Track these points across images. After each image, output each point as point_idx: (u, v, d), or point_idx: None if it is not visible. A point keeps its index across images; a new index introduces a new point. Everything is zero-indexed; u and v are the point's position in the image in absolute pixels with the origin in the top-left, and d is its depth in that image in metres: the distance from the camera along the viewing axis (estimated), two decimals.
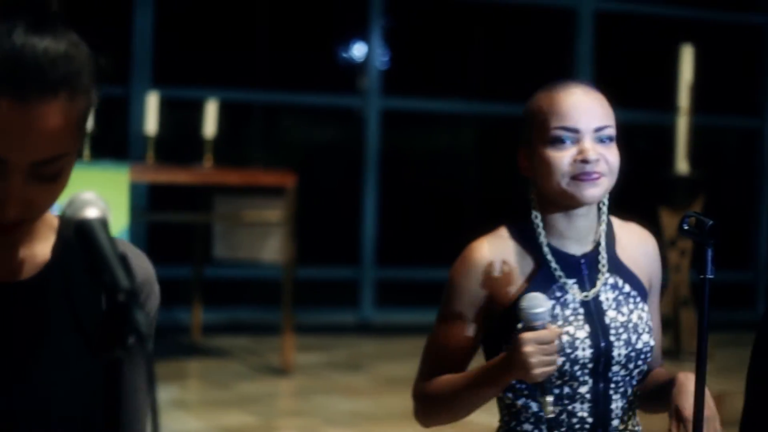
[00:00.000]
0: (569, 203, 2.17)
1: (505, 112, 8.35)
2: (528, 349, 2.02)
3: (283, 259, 6.31)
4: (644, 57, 9.31)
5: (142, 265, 1.57)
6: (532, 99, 2.21)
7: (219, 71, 8.23)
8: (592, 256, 2.24)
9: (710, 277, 2.02)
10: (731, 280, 9.05)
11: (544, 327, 2.05)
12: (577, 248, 2.23)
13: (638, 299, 2.26)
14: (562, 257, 2.21)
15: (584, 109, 2.17)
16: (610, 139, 2.18)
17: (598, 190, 2.14)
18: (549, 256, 2.20)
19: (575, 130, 2.16)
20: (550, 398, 2.07)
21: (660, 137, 8.27)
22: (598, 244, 2.25)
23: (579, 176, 2.13)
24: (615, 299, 2.24)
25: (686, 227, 2.05)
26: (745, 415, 2.83)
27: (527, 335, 2.04)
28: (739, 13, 9.34)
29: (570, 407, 2.17)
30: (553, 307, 2.15)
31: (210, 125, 6.63)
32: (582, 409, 2.18)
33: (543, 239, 2.21)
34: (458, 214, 8.70)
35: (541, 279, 2.18)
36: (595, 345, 2.16)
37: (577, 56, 8.67)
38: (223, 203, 6.92)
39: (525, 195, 2.24)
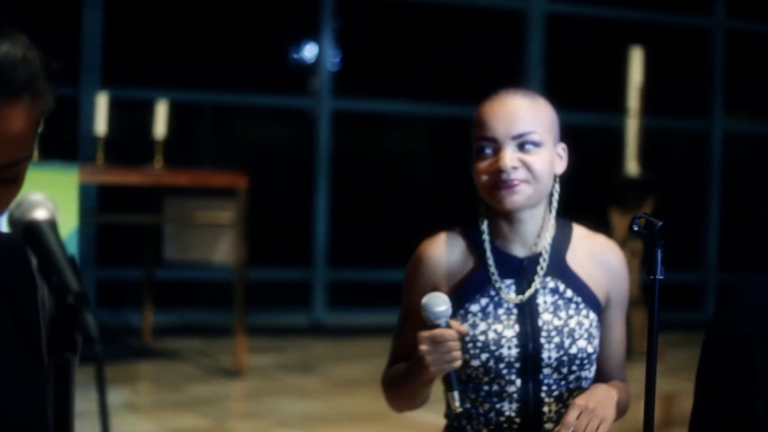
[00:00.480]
0: (499, 210, 2.22)
1: (455, 114, 8.37)
2: (423, 347, 2.11)
3: (234, 261, 6.29)
4: (594, 59, 9.37)
5: None
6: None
7: (169, 72, 8.18)
8: (536, 259, 2.25)
9: (660, 277, 2.04)
10: (681, 280, 9.13)
11: (446, 325, 2.12)
12: (521, 251, 2.26)
13: (581, 306, 2.27)
14: (503, 258, 2.24)
15: (503, 118, 2.21)
16: (535, 144, 2.20)
17: (518, 197, 2.18)
18: (489, 257, 2.24)
19: (494, 140, 2.21)
20: (455, 393, 2.14)
21: (610, 139, 8.33)
22: (547, 247, 2.26)
23: (496, 185, 2.19)
24: (553, 303, 2.25)
25: (636, 228, 2.07)
26: (694, 415, 2.86)
27: (423, 334, 2.12)
28: (688, 16, 9.42)
29: (498, 405, 2.20)
30: (486, 305, 2.21)
31: (160, 126, 6.59)
32: (510, 409, 2.20)
33: (487, 241, 2.25)
34: (410, 215, 8.71)
35: (478, 278, 2.23)
36: (522, 345, 2.19)
37: (528, 58, 8.71)
38: (173, 205, 6.88)
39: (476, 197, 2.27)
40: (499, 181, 2.18)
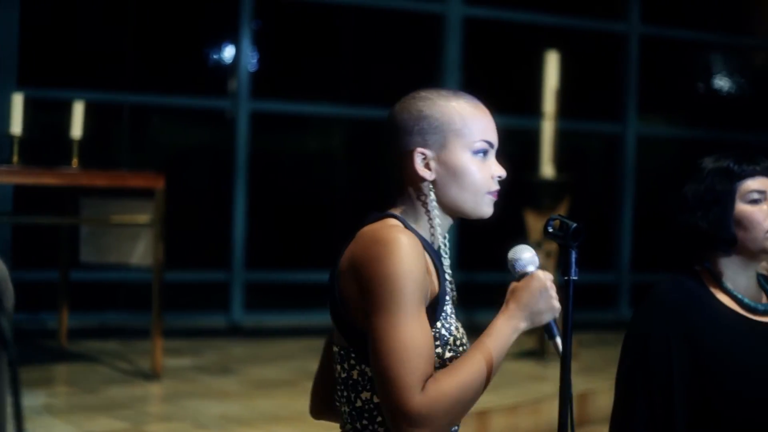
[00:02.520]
0: (468, 214, 2.20)
1: (374, 116, 8.40)
2: (550, 285, 2.09)
3: (151, 263, 6.26)
4: (511, 63, 9.46)
5: None
6: (436, 102, 2.19)
7: (87, 72, 8.11)
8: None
9: (574, 278, 2.07)
10: (595, 281, 9.26)
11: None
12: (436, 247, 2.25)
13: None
14: (438, 256, 2.22)
15: (494, 126, 2.24)
16: None
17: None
18: (444, 255, 2.22)
19: (492, 145, 2.21)
20: (557, 339, 2.10)
21: (526, 141, 8.41)
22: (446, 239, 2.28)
23: (489, 192, 2.19)
24: (452, 289, 2.30)
25: (551, 230, 2.10)
26: (615, 414, 2.92)
27: (545, 274, 2.10)
28: (603, 21, 9.56)
29: None
30: (448, 303, 2.18)
31: (77, 127, 6.53)
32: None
33: (443, 243, 2.22)
34: (328, 216, 8.73)
35: (441, 276, 2.17)
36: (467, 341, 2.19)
37: (445, 61, 8.77)
38: (90, 206, 6.83)
39: (388, 193, 2.22)
40: (496, 191, 2.19)
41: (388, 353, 1.99)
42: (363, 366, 2.11)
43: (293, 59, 8.81)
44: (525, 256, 2.13)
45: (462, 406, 2.01)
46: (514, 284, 2.12)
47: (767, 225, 2.90)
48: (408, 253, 2.03)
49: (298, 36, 8.81)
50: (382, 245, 2.04)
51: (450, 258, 2.27)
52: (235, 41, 8.28)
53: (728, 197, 2.90)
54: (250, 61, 8.32)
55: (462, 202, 2.16)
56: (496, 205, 2.21)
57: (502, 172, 2.20)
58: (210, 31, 8.62)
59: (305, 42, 8.81)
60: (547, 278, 2.11)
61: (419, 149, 2.16)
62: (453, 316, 2.18)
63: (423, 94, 2.21)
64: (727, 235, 2.90)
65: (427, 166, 2.16)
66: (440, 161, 2.16)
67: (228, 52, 8.44)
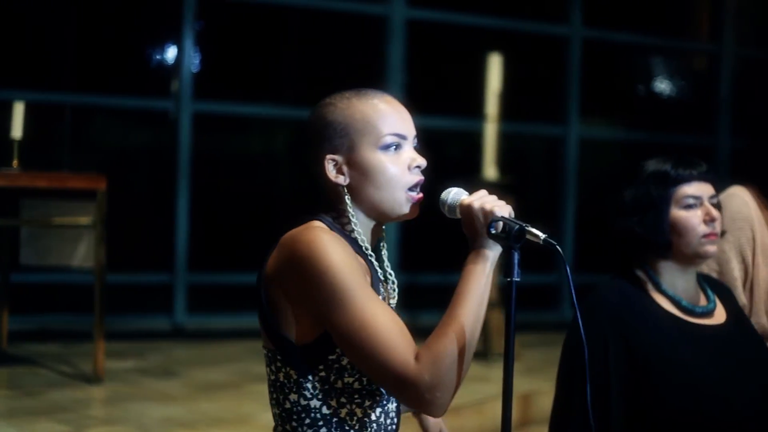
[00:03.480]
0: (388, 214, 2.18)
1: None
2: (481, 196, 2.11)
3: (93, 265, 6.21)
4: (454, 65, 9.49)
5: None
6: (339, 105, 2.19)
7: (28, 72, 8.03)
8: (376, 254, 2.27)
9: (517, 279, 2.08)
10: (537, 282, 9.31)
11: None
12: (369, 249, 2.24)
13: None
14: (372, 259, 2.22)
15: (406, 117, 2.21)
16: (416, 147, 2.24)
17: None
18: (372, 255, 2.20)
19: (403, 137, 2.18)
20: (527, 227, 2.06)
21: (469, 143, 8.45)
22: (380, 242, 2.28)
23: (414, 185, 2.17)
24: (392, 289, 2.30)
25: (494, 231, 2.11)
26: (555, 411, 2.95)
27: (475, 193, 2.13)
28: (546, 24, 9.62)
29: (386, 407, 2.19)
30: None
31: (17, 127, 6.46)
32: (392, 409, 2.22)
33: (367, 245, 2.20)
34: (271, 218, 8.71)
35: (375, 281, 2.17)
36: None
37: (389, 63, 8.78)
38: (30, 207, 6.75)
39: (318, 199, 2.23)
40: (412, 181, 2.17)
41: (364, 341, 1.99)
42: (288, 369, 2.13)
43: (236, 60, 8.78)
44: (451, 194, 2.16)
45: (463, 356, 2.01)
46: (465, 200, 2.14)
47: (701, 230, 2.93)
48: (332, 244, 2.04)
49: (241, 37, 8.78)
50: (305, 245, 2.05)
51: (391, 261, 2.27)
52: (178, 42, 8.24)
53: (664, 202, 2.94)
54: (193, 61, 8.28)
55: (380, 201, 2.15)
56: (426, 203, 2.22)
57: (420, 161, 2.18)
58: (152, 31, 8.57)
59: (248, 43, 8.79)
60: (476, 195, 2.13)
61: (329, 156, 2.16)
62: None
63: (328, 100, 2.22)
64: (662, 240, 2.94)
65: (339, 171, 2.16)
66: (351, 164, 2.15)
67: (171, 53, 8.40)
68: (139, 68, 8.55)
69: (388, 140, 2.15)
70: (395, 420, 2.22)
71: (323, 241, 2.04)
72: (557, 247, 2.01)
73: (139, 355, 7.14)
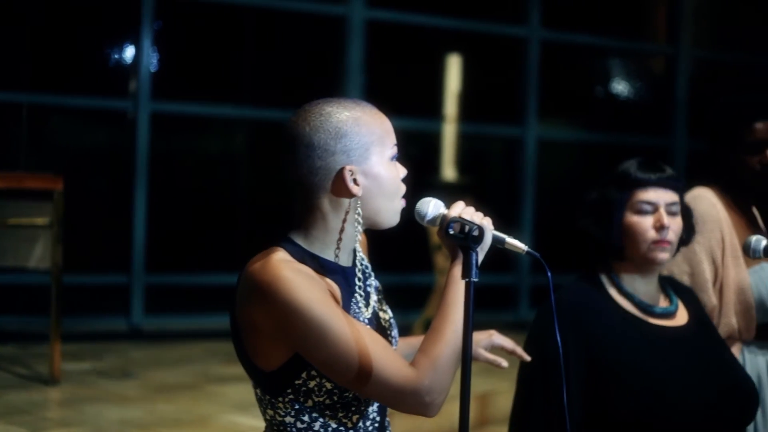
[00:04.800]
0: (384, 223, 2.21)
1: (276, 118, 8.37)
2: (457, 211, 2.15)
3: (50, 266, 6.16)
4: (413, 65, 9.50)
5: None
6: (350, 117, 2.15)
7: None
8: (356, 265, 2.27)
9: (475, 279, 2.08)
10: (495, 282, 9.34)
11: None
12: (348, 260, 2.24)
13: (383, 294, 2.35)
14: (347, 273, 2.21)
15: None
16: None
17: None
18: (339, 275, 2.18)
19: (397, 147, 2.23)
20: (510, 240, 2.14)
21: (428, 144, 8.46)
22: (354, 252, 2.27)
23: (402, 196, 2.21)
24: (378, 300, 2.31)
25: (452, 232, 2.11)
26: (515, 410, 2.95)
27: (454, 208, 2.16)
28: (504, 25, 9.64)
29: (365, 411, 2.19)
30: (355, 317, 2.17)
31: None
32: (373, 411, 2.23)
33: (339, 260, 2.19)
34: (229, 219, 8.68)
35: (345, 299, 2.17)
36: None
37: (348, 63, 8.78)
38: None
39: (292, 210, 2.20)
40: (403, 190, 2.21)
41: (353, 367, 2.02)
42: (258, 390, 2.18)
43: (195, 60, 8.75)
44: (429, 208, 2.18)
45: (456, 357, 2.07)
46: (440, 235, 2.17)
47: (650, 236, 2.94)
48: (297, 280, 2.02)
49: (199, 37, 8.75)
50: (270, 285, 2.03)
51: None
52: (136, 41, 8.19)
53: (619, 206, 2.95)
54: (151, 61, 8.24)
55: (385, 210, 2.18)
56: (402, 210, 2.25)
57: (405, 172, 2.23)
58: (111, 30, 8.52)
59: (207, 43, 8.76)
60: (456, 209, 2.17)
61: (348, 167, 2.13)
62: None
63: (328, 109, 2.15)
64: (614, 244, 2.95)
65: (355, 182, 2.14)
66: (366, 174, 2.15)
67: (129, 52, 8.35)
68: (96, 68, 8.49)
69: (395, 151, 2.20)
70: (377, 418, 2.23)
71: (287, 280, 2.02)
72: (540, 257, 2.09)
73: (96, 357, 7.10)
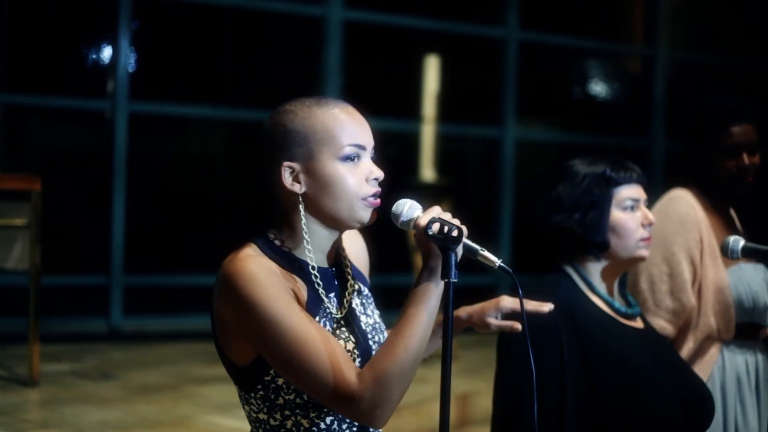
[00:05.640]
0: (345, 223, 2.16)
1: (254, 118, 8.37)
2: (436, 215, 2.10)
3: (28, 266, 6.14)
4: (392, 66, 9.51)
5: None
6: (299, 113, 2.15)
7: None
8: (338, 266, 2.27)
9: (454, 280, 2.08)
10: (474, 283, 9.36)
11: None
12: (324, 261, 2.23)
13: (371, 298, 2.34)
14: (320, 272, 2.20)
15: (366, 127, 2.19)
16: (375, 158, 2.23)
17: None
18: (316, 274, 2.17)
19: (362, 147, 2.17)
20: (484, 252, 2.08)
21: (407, 145, 8.48)
22: (337, 253, 2.27)
23: (371, 195, 2.15)
24: (362, 303, 2.29)
25: (431, 232, 2.11)
26: (498, 413, 2.94)
27: (429, 211, 2.12)
28: (482, 26, 9.66)
29: (341, 415, 2.18)
30: (324, 323, 2.15)
31: None
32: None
33: (311, 259, 2.17)
34: (208, 219, 8.67)
35: (311, 297, 2.16)
36: (362, 353, 2.17)
37: (326, 64, 8.78)
38: None
39: (269, 208, 2.21)
40: (369, 193, 2.15)
41: (300, 367, 2.02)
42: (237, 386, 2.19)
43: (173, 60, 8.74)
44: (405, 209, 2.16)
45: (405, 375, 2.02)
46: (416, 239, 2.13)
47: (639, 234, 2.96)
48: (257, 275, 2.03)
49: (177, 37, 8.74)
50: (232, 279, 2.04)
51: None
52: (114, 41, 8.18)
53: (605, 203, 2.95)
54: (129, 61, 8.23)
55: (337, 211, 2.14)
56: (379, 209, 2.21)
57: (378, 174, 2.17)
58: (88, 30, 8.50)
59: (185, 43, 8.75)
60: (431, 214, 2.12)
61: (286, 163, 2.14)
62: (339, 332, 2.17)
63: (288, 107, 2.17)
64: (600, 241, 2.95)
65: (296, 179, 2.14)
66: (308, 173, 2.13)
67: (106, 52, 8.33)
68: (74, 68, 8.47)
69: (347, 151, 2.14)
70: (354, 427, 2.21)
71: (248, 274, 2.03)
72: (511, 273, 2.05)
73: (75, 358, 7.08)
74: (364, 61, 9.31)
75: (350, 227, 2.18)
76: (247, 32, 8.90)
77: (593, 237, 2.95)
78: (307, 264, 2.17)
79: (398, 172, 8.07)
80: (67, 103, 8.18)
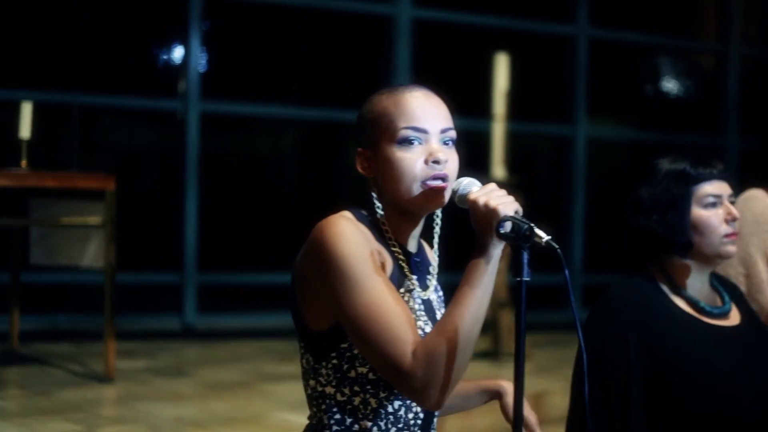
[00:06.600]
0: (410, 207, 2.16)
1: (324, 117, 8.41)
2: (489, 192, 2.08)
3: (103, 264, 6.22)
4: (461, 64, 9.50)
5: None
6: (371, 101, 2.21)
7: (36, 73, 8.06)
8: (421, 256, 2.28)
9: (526, 279, 2.05)
10: (547, 282, 9.30)
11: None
12: (413, 247, 2.25)
13: (443, 299, 2.34)
14: (405, 255, 2.22)
15: (430, 111, 2.19)
16: (453, 141, 2.23)
17: (446, 197, 2.17)
18: (398, 251, 2.19)
19: (424, 131, 2.17)
20: (533, 228, 2.01)
21: (477, 143, 8.46)
22: (420, 245, 2.29)
23: (431, 178, 2.14)
24: (438, 300, 2.31)
25: (503, 231, 2.11)
26: (571, 414, 2.94)
27: (485, 187, 2.11)
28: (552, 24, 9.62)
29: (408, 401, 2.18)
30: (406, 299, 2.16)
31: (26, 128, 6.47)
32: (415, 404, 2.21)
33: (391, 236, 2.20)
34: (279, 218, 8.72)
35: (395, 270, 2.18)
36: None
37: (396, 63, 8.80)
38: (40, 207, 6.77)
39: (363, 192, 2.24)
40: (433, 175, 2.14)
41: (368, 331, 2.01)
42: (308, 356, 2.18)
43: (243, 60, 8.80)
44: (462, 185, 2.16)
45: (456, 356, 1.99)
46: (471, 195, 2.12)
47: (723, 230, 2.90)
48: (348, 233, 2.05)
49: (248, 37, 8.80)
50: (321, 233, 2.07)
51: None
52: (185, 42, 8.26)
53: (685, 201, 2.89)
54: (200, 61, 8.30)
55: (399, 194, 2.15)
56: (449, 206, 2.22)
57: (438, 155, 2.15)
58: (159, 31, 8.59)
59: (255, 43, 8.81)
60: (484, 191, 2.11)
61: (360, 149, 2.21)
62: (419, 314, 2.19)
63: (371, 96, 2.24)
64: (683, 240, 2.89)
65: (367, 164, 2.20)
66: (374, 158, 2.18)
67: (177, 53, 8.42)
68: (146, 68, 8.57)
69: (403, 134, 2.15)
70: (420, 416, 2.21)
71: (339, 229, 2.05)
72: (558, 250, 1.99)
73: (150, 355, 7.16)
74: (434, 59, 9.31)
75: (414, 210, 2.18)
76: (316, 31, 8.93)
77: (675, 237, 2.89)
78: (389, 242, 2.20)
79: (469, 170, 8.04)
80: (139, 103, 8.28)
